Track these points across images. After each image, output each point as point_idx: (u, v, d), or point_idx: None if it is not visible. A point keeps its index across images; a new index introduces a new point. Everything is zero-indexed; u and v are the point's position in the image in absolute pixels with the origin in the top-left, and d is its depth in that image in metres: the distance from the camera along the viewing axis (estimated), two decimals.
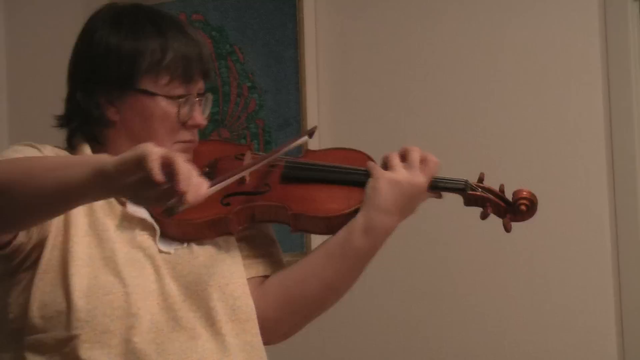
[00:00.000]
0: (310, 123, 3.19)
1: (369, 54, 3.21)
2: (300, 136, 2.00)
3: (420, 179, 1.85)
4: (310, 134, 2.00)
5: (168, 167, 1.49)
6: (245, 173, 1.83)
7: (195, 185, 1.51)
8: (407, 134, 3.12)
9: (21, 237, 1.74)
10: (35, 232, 1.75)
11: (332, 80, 3.24)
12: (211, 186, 1.57)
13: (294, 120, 3.26)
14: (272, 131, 3.30)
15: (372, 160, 1.92)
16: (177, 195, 1.50)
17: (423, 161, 1.86)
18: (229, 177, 1.70)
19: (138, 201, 1.60)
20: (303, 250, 3.14)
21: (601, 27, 2.91)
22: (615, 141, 2.88)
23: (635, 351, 2.84)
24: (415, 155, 1.86)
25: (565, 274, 2.91)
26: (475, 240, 2.98)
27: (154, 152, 1.49)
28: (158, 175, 1.48)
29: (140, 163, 1.49)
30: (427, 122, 3.11)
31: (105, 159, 1.54)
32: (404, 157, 1.87)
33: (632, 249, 2.85)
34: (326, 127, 3.19)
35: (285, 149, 1.91)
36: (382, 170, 1.85)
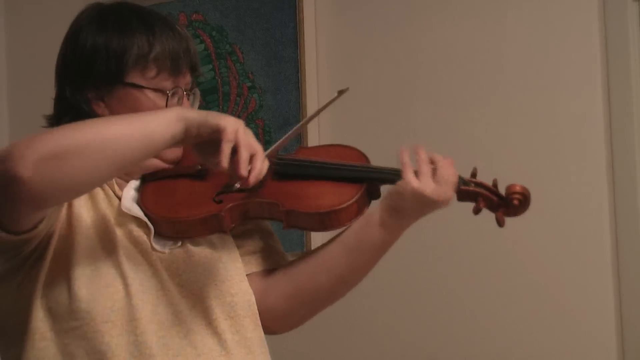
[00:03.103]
0: (310, 123, 3.19)
1: (368, 53, 3.21)
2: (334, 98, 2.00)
3: (447, 194, 1.84)
4: (341, 92, 2.00)
5: (236, 147, 1.67)
6: (296, 132, 1.95)
7: (257, 169, 1.68)
8: (406, 133, 3.12)
9: (43, 223, 1.74)
10: (48, 224, 1.76)
11: (332, 80, 3.24)
12: (268, 157, 1.73)
13: (294, 120, 3.26)
14: (272, 131, 3.30)
15: (366, 157, 1.93)
16: (237, 176, 1.68)
17: (448, 176, 1.84)
18: (281, 140, 1.85)
19: (201, 156, 1.74)
20: (303, 249, 3.14)
21: (601, 27, 2.91)
22: (615, 141, 2.88)
23: (635, 351, 2.84)
24: (447, 170, 1.84)
25: (565, 273, 2.91)
26: (473, 239, 2.98)
27: (230, 131, 1.66)
28: (225, 161, 1.66)
29: (217, 134, 1.67)
30: (427, 120, 3.11)
31: (185, 113, 1.69)
32: (434, 166, 1.85)
33: (632, 249, 2.85)
34: (326, 127, 3.19)
35: (324, 109, 1.96)
36: (413, 177, 1.83)
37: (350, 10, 3.24)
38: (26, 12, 3.76)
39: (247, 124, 3.41)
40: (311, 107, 3.22)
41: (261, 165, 1.69)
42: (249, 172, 1.69)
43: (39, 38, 3.70)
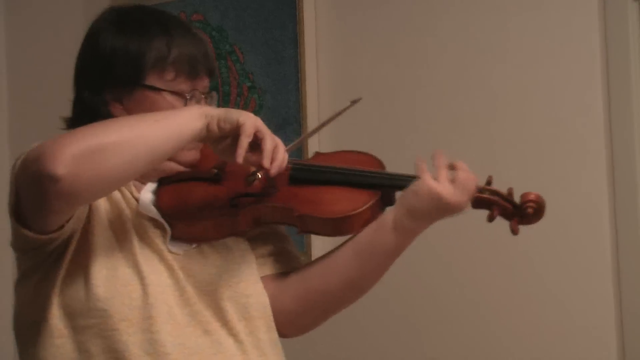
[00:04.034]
0: (310, 123, 3.19)
1: (369, 53, 3.21)
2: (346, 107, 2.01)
3: (462, 199, 1.84)
4: (354, 102, 2.01)
5: (257, 140, 1.72)
6: (312, 135, 1.90)
7: (279, 160, 1.73)
8: (407, 134, 3.12)
9: (71, 222, 1.76)
10: (75, 224, 1.78)
11: (332, 80, 3.24)
12: (287, 151, 1.78)
13: (293, 120, 3.26)
14: (272, 131, 3.29)
15: (381, 163, 1.94)
16: (260, 166, 1.73)
17: (466, 181, 1.85)
18: (298, 141, 1.87)
19: (218, 151, 1.78)
20: (303, 249, 3.14)
21: (601, 27, 2.90)
22: (615, 141, 2.87)
23: (635, 351, 2.84)
24: (463, 174, 1.85)
25: (566, 274, 2.91)
26: (475, 241, 2.98)
27: (249, 126, 1.71)
28: (241, 156, 1.71)
29: (236, 129, 1.72)
30: (428, 122, 3.11)
31: (206, 110, 1.74)
32: (454, 171, 1.86)
33: (632, 249, 2.85)
34: (326, 127, 3.19)
35: (334, 119, 1.98)
36: (430, 178, 1.84)
37: (350, 10, 3.24)
38: (26, 12, 3.76)
39: None
40: (311, 107, 3.22)
41: (283, 157, 1.74)
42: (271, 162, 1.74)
43: (39, 38, 3.70)
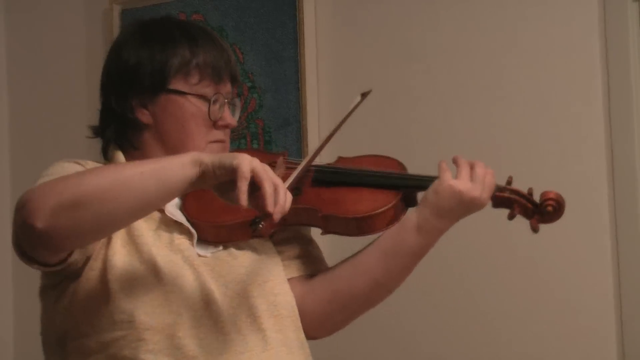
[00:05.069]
0: (310, 123, 3.19)
1: (369, 53, 3.21)
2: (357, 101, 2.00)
3: (482, 195, 1.88)
4: (364, 95, 2.02)
5: (257, 183, 1.63)
6: (310, 162, 1.89)
7: (280, 204, 1.64)
8: (407, 134, 3.12)
9: (76, 254, 1.77)
10: (80, 256, 1.79)
11: (332, 80, 3.24)
12: (289, 188, 1.70)
13: (293, 119, 3.26)
14: (272, 131, 3.30)
15: (403, 166, 1.98)
16: (262, 212, 1.64)
17: (484, 176, 1.89)
18: (298, 170, 1.81)
19: (223, 197, 1.70)
20: None
21: (601, 27, 2.91)
22: (615, 142, 2.88)
23: (636, 351, 2.84)
24: (481, 170, 1.89)
25: (566, 274, 2.92)
26: (475, 240, 2.98)
27: (245, 169, 1.62)
28: (244, 200, 1.62)
29: (233, 174, 1.64)
30: (428, 121, 3.11)
31: (201, 157, 1.67)
32: (471, 169, 1.89)
33: (632, 249, 2.85)
34: (326, 127, 3.19)
35: (346, 118, 1.95)
36: (449, 177, 1.88)
37: (350, 10, 3.24)
38: (26, 12, 3.76)
39: (247, 124, 3.43)
40: (311, 107, 3.23)
41: (284, 198, 1.67)
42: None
43: (39, 38, 3.70)
